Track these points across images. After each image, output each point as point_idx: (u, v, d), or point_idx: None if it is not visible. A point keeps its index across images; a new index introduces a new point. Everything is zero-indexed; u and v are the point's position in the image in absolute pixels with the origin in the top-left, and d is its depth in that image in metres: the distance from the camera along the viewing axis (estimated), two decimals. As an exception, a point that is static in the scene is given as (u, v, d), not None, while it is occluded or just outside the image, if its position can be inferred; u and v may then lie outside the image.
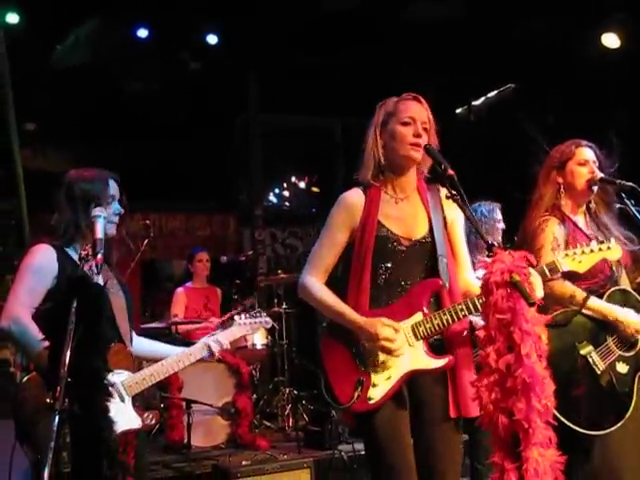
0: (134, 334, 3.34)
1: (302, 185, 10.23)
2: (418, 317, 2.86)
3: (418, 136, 2.91)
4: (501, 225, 4.86)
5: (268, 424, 6.78)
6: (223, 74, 8.16)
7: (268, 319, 3.74)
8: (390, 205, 3.00)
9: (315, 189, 10.08)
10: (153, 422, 3.23)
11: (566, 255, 2.88)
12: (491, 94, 8.66)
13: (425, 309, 2.87)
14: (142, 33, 7.47)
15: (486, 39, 7.20)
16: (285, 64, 8.00)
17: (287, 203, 10.13)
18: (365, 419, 2.89)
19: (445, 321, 2.81)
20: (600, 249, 2.93)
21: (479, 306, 2.72)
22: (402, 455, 2.86)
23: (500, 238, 4.85)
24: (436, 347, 2.89)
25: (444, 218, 3.02)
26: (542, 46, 6.98)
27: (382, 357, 2.86)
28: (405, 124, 2.93)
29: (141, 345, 3.41)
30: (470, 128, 8.85)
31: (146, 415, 3.15)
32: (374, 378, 2.86)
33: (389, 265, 2.93)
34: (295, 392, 6.75)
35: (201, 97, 8.42)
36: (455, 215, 3.04)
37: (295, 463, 4.77)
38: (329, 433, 5.73)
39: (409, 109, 2.95)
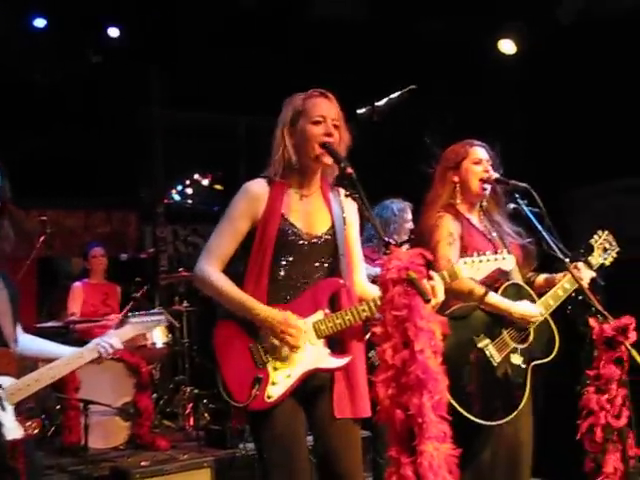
0: (23, 333, 3.15)
1: (205, 183, 10.13)
2: (319, 315, 2.87)
3: (330, 135, 2.91)
4: (409, 225, 4.94)
5: (168, 424, 6.70)
6: (125, 68, 8.00)
7: (163, 317, 3.59)
8: (294, 200, 2.99)
9: (218, 187, 9.99)
10: (35, 432, 3.05)
11: (465, 263, 2.95)
12: (394, 95, 8.76)
13: (326, 308, 2.88)
14: (39, 23, 7.24)
15: (388, 39, 7.29)
16: (189, 60, 7.90)
17: (189, 201, 10.02)
18: (261, 419, 2.86)
19: (347, 321, 2.83)
20: (496, 259, 3.01)
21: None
22: (297, 459, 2.85)
23: (406, 237, 4.94)
24: (334, 346, 2.90)
25: (344, 218, 3.03)
26: (443, 48, 7.12)
27: (283, 354, 2.85)
28: (316, 123, 2.92)
29: (30, 345, 3.19)
30: (373, 128, 8.94)
31: (28, 424, 2.98)
32: (273, 376, 2.84)
33: (290, 259, 2.92)
34: (196, 391, 6.69)
35: (102, 91, 8.23)
36: (354, 217, 3.08)
37: (195, 463, 4.75)
38: (230, 432, 5.70)
39: (319, 107, 2.93)
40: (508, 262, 3.09)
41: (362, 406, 2.87)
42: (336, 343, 2.91)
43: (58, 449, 5.80)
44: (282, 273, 2.92)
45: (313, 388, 2.91)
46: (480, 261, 2.99)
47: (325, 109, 2.94)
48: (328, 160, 2.92)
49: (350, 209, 3.05)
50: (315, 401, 2.93)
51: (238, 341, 2.91)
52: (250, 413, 2.89)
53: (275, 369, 2.85)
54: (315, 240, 2.96)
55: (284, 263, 2.92)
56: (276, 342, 2.85)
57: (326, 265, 2.97)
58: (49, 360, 3.14)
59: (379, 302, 2.73)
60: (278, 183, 2.97)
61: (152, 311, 3.58)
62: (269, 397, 2.82)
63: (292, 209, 2.96)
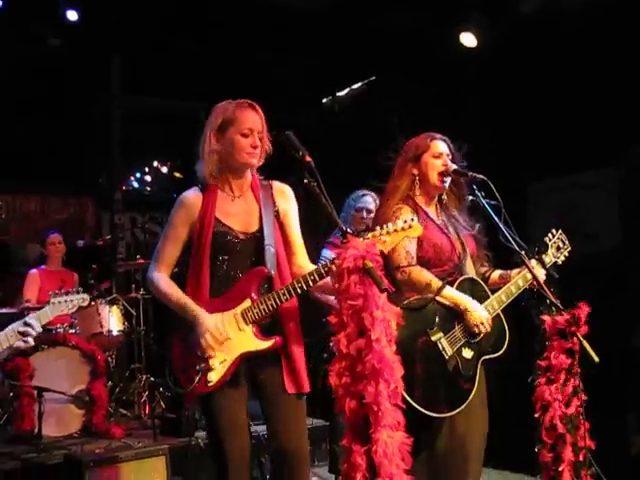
0: None
1: (164, 170, 10.05)
2: (247, 303, 3.10)
3: (256, 147, 3.16)
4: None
5: (124, 412, 6.65)
6: (84, 52, 7.88)
7: (85, 295, 3.64)
8: (227, 202, 3.24)
9: (177, 175, 9.93)
10: None
11: (373, 236, 2.88)
12: (355, 85, 8.79)
13: (253, 295, 3.09)
14: (-4, 3, 7.10)
15: (351, 31, 7.30)
16: (149, 45, 7.81)
17: (148, 188, 9.93)
18: (206, 403, 3.15)
19: (270, 305, 3.05)
20: (403, 228, 2.91)
21: (298, 289, 2.98)
22: (234, 440, 3.13)
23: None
24: (268, 329, 3.13)
25: (276, 211, 3.25)
26: (404, 40, 7.15)
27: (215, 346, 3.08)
28: (244, 135, 3.15)
29: None
30: (335, 118, 8.95)
31: None
32: (211, 362, 3.08)
33: (226, 257, 3.17)
34: (152, 379, 6.67)
35: (60, 75, 8.11)
36: (287, 206, 3.31)
37: (150, 451, 4.71)
38: (186, 420, 5.69)
39: (248, 120, 3.17)
40: (415, 230, 2.92)
41: (302, 382, 3.15)
42: (270, 326, 3.14)
43: (11, 436, 5.73)
44: (221, 270, 3.17)
45: (257, 368, 3.18)
46: (387, 232, 2.88)
47: (253, 122, 3.18)
48: (254, 162, 3.21)
49: (283, 199, 3.30)
50: (261, 379, 3.19)
51: (184, 335, 3.16)
52: (197, 398, 3.20)
53: (212, 357, 3.08)
54: (247, 237, 3.20)
55: (222, 261, 3.17)
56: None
57: (257, 258, 3.18)
58: None
59: (296, 285, 3.00)
60: (210, 188, 3.23)
61: (73, 290, 3.57)
62: (209, 382, 3.07)
63: (225, 212, 3.22)
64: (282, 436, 3.14)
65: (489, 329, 3.44)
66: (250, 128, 3.15)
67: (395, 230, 2.91)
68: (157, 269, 3.25)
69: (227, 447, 3.12)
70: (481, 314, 3.42)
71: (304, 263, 3.31)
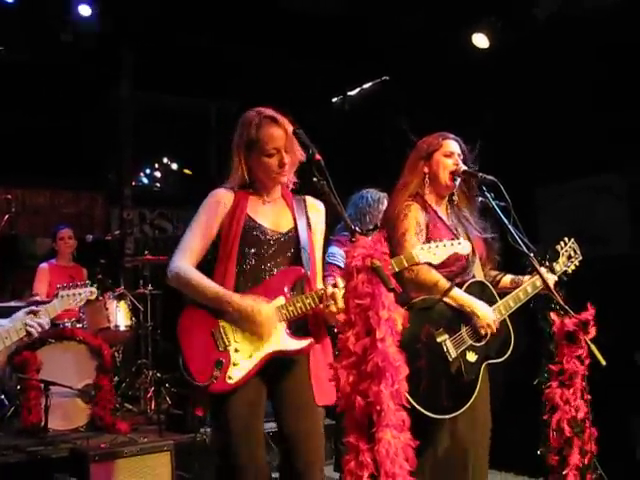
0: None
1: (174, 166, 10.08)
2: (280, 301, 2.97)
3: (283, 165, 3.08)
4: None
5: (130, 407, 6.66)
6: (96, 48, 7.90)
7: (93, 289, 3.62)
8: (258, 204, 3.18)
9: (187, 171, 9.95)
10: None
11: (422, 249, 3.03)
12: (366, 85, 8.79)
13: (287, 293, 2.98)
14: (9, -1, 7.12)
15: (364, 32, 7.30)
16: (162, 42, 7.83)
17: (158, 184, 9.96)
18: (221, 401, 2.95)
19: (308, 305, 2.93)
20: (452, 244, 3.11)
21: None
22: (249, 450, 2.95)
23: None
24: (298, 330, 3.00)
25: (308, 220, 3.19)
26: (416, 41, 7.14)
27: (245, 337, 2.93)
28: (269, 156, 3.08)
29: None
30: (345, 117, 8.96)
31: None
32: (234, 357, 2.93)
33: (256, 252, 3.06)
34: (158, 375, 6.67)
35: (72, 70, 8.14)
36: (317, 221, 3.25)
37: (155, 446, 4.71)
38: (191, 416, 5.69)
39: (272, 139, 3.08)
40: (464, 247, 3.15)
41: (332, 393, 2.86)
42: (299, 328, 3.02)
43: (17, 430, 5.75)
44: (249, 264, 3.06)
45: (281, 372, 3.01)
46: (437, 246, 3.06)
47: (278, 140, 3.08)
48: (284, 181, 3.14)
49: (315, 216, 3.24)
50: (281, 385, 3.03)
51: (202, 326, 2.99)
52: (211, 395, 2.97)
53: (237, 351, 2.93)
54: (279, 237, 3.13)
55: (250, 256, 3.06)
56: (243, 328, 2.94)
57: (290, 258, 3.11)
58: None
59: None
60: (241, 192, 3.16)
61: (81, 284, 3.57)
62: (230, 378, 2.91)
63: (256, 211, 3.16)
64: (302, 455, 2.98)
65: (494, 331, 3.44)
66: (275, 147, 3.07)
67: (444, 246, 3.07)
68: (182, 259, 3.08)
69: (240, 462, 2.94)
70: (488, 315, 3.42)
71: (318, 284, 3.17)
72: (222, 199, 3.13)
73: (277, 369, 3.01)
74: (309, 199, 3.25)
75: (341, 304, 2.76)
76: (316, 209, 3.24)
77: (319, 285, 3.16)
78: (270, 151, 3.07)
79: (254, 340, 2.93)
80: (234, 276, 3.03)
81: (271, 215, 3.16)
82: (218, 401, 2.96)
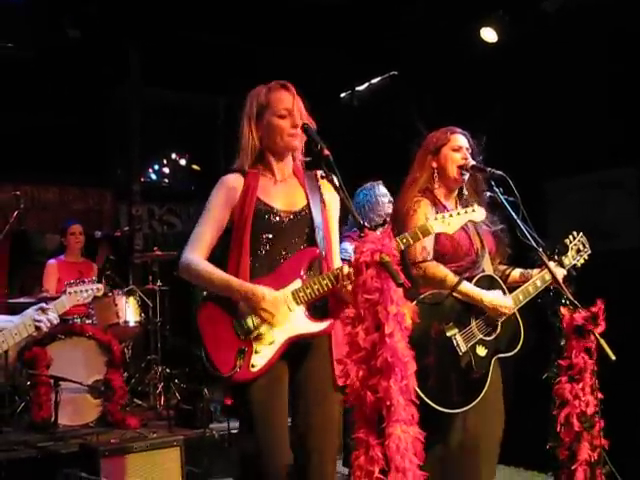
0: None
1: (182, 162, 10.09)
2: (297, 284, 2.94)
3: (296, 127, 3.03)
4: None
5: (139, 402, 6.68)
6: (104, 44, 7.91)
7: (100, 285, 3.65)
8: (269, 185, 3.10)
9: (195, 167, 9.95)
10: None
11: (436, 219, 2.98)
12: (374, 80, 8.77)
13: (303, 275, 2.95)
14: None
15: (371, 25, 7.28)
16: (169, 38, 7.83)
17: (166, 180, 9.97)
18: (242, 393, 2.92)
19: (325, 285, 2.88)
20: (466, 212, 3.07)
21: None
22: (273, 436, 2.90)
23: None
24: (318, 312, 2.97)
25: (321, 197, 3.12)
26: (426, 35, 7.13)
27: (264, 326, 2.91)
28: (281, 117, 3.04)
29: None
30: (354, 113, 8.95)
31: None
32: (256, 345, 2.91)
33: (270, 236, 3.02)
34: (168, 370, 6.70)
35: (79, 66, 8.14)
36: (331, 198, 3.15)
37: (165, 442, 4.73)
38: (201, 412, 5.72)
39: (283, 101, 3.06)
40: (478, 214, 3.11)
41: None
42: (319, 309, 2.99)
43: (27, 425, 5.78)
44: (264, 248, 3.01)
45: (301, 355, 2.98)
46: (451, 215, 3.02)
47: (289, 102, 3.06)
48: (297, 145, 3.08)
49: (328, 192, 3.14)
50: (302, 368, 3.00)
51: (221, 318, 2.98)
52: (234, 384, 2.94)
53: (258, 339, 2.91)
54: (292, 217, 3.07)
55: (264, 240, 3.01)
56: (256, 316, 2.92)
57: (305, 238, 3.06)
58: None
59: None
60: (251, 175, 3.08)
61: (88, 280, 3.58)
62: (253, 366, 2.89)
63: (268, 192, 3.08)
64: (317, 433, 2.95)
65: (510, 311, 3.43)
66: (286, 108, 3.04)
67: (458, 214, 3.02)
68: (192, 251, 3.04)
69: (267, 454, 2.88)
70: (498, 300, 3.42)
71: (336, 264, 3.11)
72: (231, 185, 3.08)
73: (298, 352, 2.97)
74: (320, 173, 3.14)
75: None
76: (330, 186, 3.10)
77: (336, 262, 3.12)
78: (281, 112, 3.03)
79: (274, 326, 2.90)
80: (249, 263, 2.99)
81: (283, 195, 3.10)
82: (241, 389, 2.93)
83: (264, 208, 3.03)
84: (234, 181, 3.09)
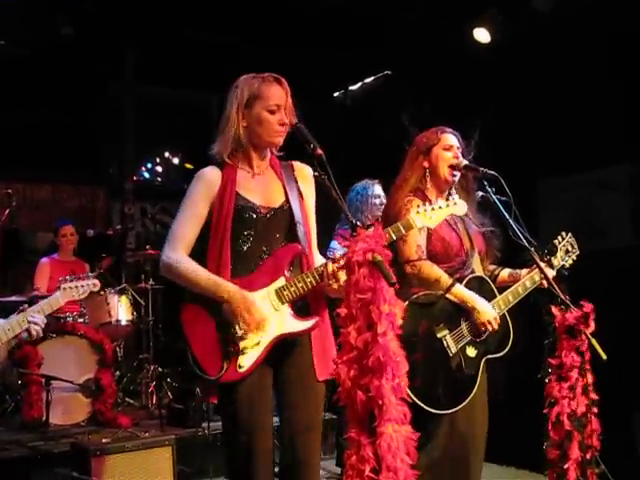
0: None
1: (175, 161, 10.06)
2: (281, 282, 2.94)
3: (283, 125, 3.02)
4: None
5: (131, 402, 6.68)
6: (98, 41, 7.89)
7: (96, 281, 3.59)
8: (247, 179, 3.09)
9: (189, 165, 9.93)
10: None
11: (417, 213, 2.95)
12: (368, 80, 8.78)
13: (287, 273, 2.94)
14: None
15: (365, 25, 7.28)
16: (163, 36, 7.81)
17: (159, 178, 9.95)
18: (229, 392, 2.92)
19: (309, 283, 2.88)
20: (447, 205, 3.04)
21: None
22: (258, 437, 2.91)
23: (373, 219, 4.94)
24: (301, 310, 2.97)
25: (298, 189, 3.12)
26: (419, 35, 7.13)
27: (246, 328, 2.89)
28: (271, 112, 3.01)
29: None
30: (347, 112, 8.95)
31: None
32: (242, 346, 2.89)
33: (250, 233, 3.00)
34: (160, 369, 6.68)
35: (73, 63, 8.12)
36: (308, 190, 3.17)
37: (157, 441, 4.71)
38: (193, 411, 5.71)
39: (275, 96, 3.03)
40: (459, 207, 3.09)
41: (330, 366, 2.85)
42: (302, 306, 2.98)
43: (18, 424, 5.76)
44: (245, 247, 3.00)
45: (285, 351, 2.97)
46: (432, 209, 2.99)
47: (280, 98, 3.03)
48: (280, 141, 3.07)
49: (305, 181, 3.16)
50: (289, 363, 3.01)
51: (205, 319, 2.94)
52: (221, 386, 2.95)
53: (244, 339, 2.89)
54: (272, 212, 3.05)
55: (245, 237, 2.99)
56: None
57: (285, 235, 3.05)
58: None
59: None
60: (228, 168, 3.06)
61: (83, 276, 3.55)
62: (240, 367, 2.88)
63: (246, 187, 3.06)
64: (299, 424, 2.96)
65: (496, 328, 3.43)
66: (277, 104, 3.01)
67: (440, 207, 2.99)
68: (174, 249, 3.00)
69: (254, 444, 2.89)
70: (489, 313, 3.41)
71: (315, 254, 3.15)
72: (208, 178, 3.05)
73: (282, 350, 2.96)
74: (296, 165, 3.18)
75: (342, 280, 2.72)
76: (304, 175, 3.16)
77: (316, 256, 3.14)
78: (272, 107, 3.00)
79: (259, 326, 2.88)
80: (230, 261, 2.96)
81: (261, 190, 3.07)
82: (228, 388, 2.92)
83: (244, 204, 3.01)
84: (211, 174, 3.06)
